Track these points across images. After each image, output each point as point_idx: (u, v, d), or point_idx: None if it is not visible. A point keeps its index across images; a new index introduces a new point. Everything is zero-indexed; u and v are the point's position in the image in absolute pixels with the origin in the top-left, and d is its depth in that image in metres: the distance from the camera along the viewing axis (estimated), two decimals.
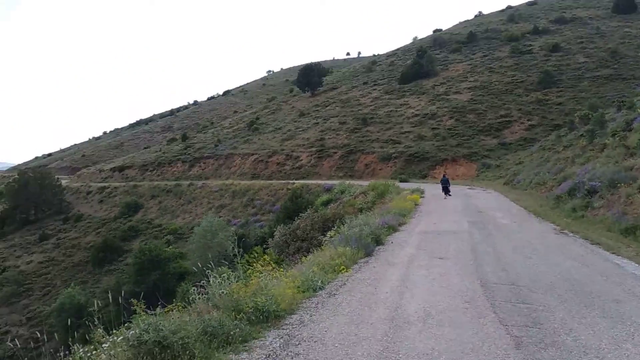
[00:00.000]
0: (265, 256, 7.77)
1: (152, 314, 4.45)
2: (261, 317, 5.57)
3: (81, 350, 4.19)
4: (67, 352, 4.67)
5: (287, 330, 5.37)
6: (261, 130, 64.52)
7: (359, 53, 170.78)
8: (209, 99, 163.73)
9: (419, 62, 68.40)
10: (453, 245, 10.93)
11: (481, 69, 63.45)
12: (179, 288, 20.79)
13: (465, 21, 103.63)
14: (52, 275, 35.18)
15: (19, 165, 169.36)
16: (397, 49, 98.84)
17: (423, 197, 23.81)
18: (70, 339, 5.04)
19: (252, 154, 53.19)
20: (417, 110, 53.29)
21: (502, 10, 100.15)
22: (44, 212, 58.35)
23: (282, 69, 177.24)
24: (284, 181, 39.66)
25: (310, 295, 6.89)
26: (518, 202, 20.55)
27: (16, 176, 69.09)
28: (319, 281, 7.37)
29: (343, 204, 20.78)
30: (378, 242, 11.07)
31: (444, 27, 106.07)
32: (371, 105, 59.82)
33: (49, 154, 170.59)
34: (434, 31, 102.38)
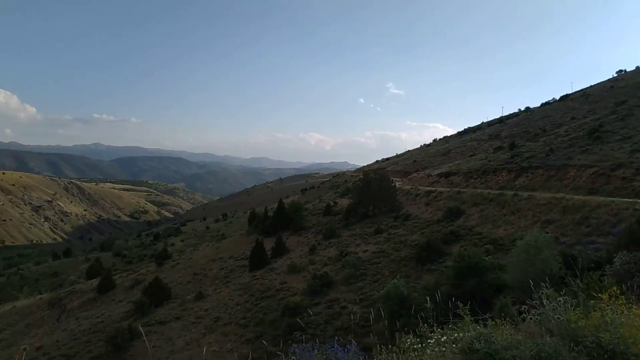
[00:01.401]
0: (614, 287, 6.44)
1: (483, 323, 4.28)
2: (605, 355, 4.64)
3: (409, 340, 4.39)
4: (390, 337, 4.98)
5: None
6: (604, 139, 55.31)
7: None
8: (542, 105, 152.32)
9: None
10: None
11: None
12: (497, 301, 19.99)
13: None
14: (381, 265, 39.46)
15: (363, 167, 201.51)
16: None
17: None
18: (395, 327, 5.41)
19: (591, 166, 46.14)
20: None
21: None
22: (379, 209, 66.81)
23: (637, 67, 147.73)
24: (630, 200, 32.60)
25: None
26: None
27: (361, 176, 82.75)
28: None
29: None
30: None
31: None
32: None
33: (387, 159, 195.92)
34: None
